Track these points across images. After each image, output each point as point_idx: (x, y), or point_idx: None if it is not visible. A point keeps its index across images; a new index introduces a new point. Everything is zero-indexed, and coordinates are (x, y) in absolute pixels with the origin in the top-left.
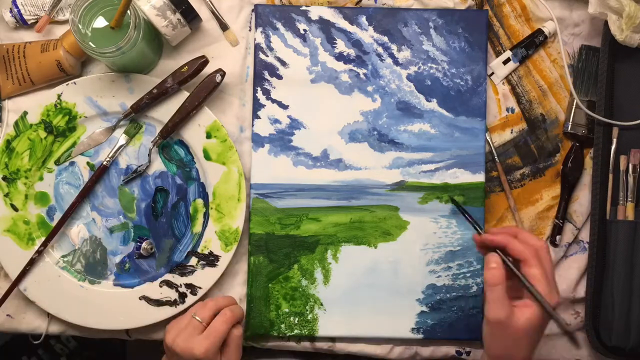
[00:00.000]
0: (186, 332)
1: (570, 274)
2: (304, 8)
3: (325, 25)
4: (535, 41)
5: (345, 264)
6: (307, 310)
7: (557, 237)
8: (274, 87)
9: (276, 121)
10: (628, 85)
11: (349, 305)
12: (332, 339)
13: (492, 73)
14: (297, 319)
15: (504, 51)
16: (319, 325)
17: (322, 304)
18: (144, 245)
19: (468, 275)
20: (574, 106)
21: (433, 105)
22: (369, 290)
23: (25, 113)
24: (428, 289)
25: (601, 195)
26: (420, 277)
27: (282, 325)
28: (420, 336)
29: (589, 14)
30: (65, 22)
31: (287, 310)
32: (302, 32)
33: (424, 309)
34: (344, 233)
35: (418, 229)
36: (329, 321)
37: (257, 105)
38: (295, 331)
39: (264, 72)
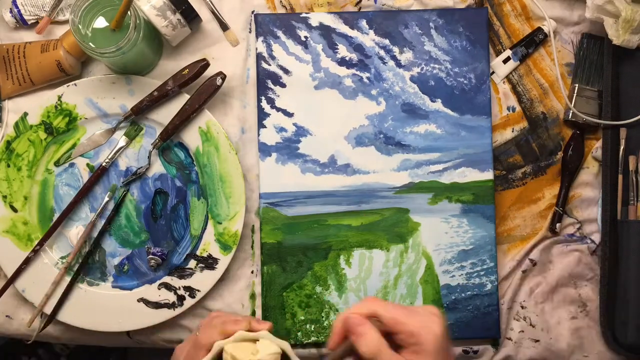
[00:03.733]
0: None
1: (569, 261)
2: (303, 15)
3: (326, 31)
4: (535, 40)
5: (359, 268)
6: (322, 317)
7: (557, 225)
8: (278, 96)
9: (282, 129)
10: (629, 83)
11: None
12: None
13: (493, 72)
14: (313, 326)
15: (504, 50)
16: None
17: (337, 310)
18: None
19: (482, 273)
20: (574, 94)
21: (438, 105)
22: (383, 294)
23: (26, 114)
24: (443, 289)
25: (611, 195)
26: (434, 277)
27: (299, 334)
28: None
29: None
30: (65, 22)
31: (302, 318)
32: (303, 39)
33: (440, 309)
34: (356, 238)
35: (429, 230)
36: None
37: (262, 115)
38: (312, 338)
39: (267, 81)
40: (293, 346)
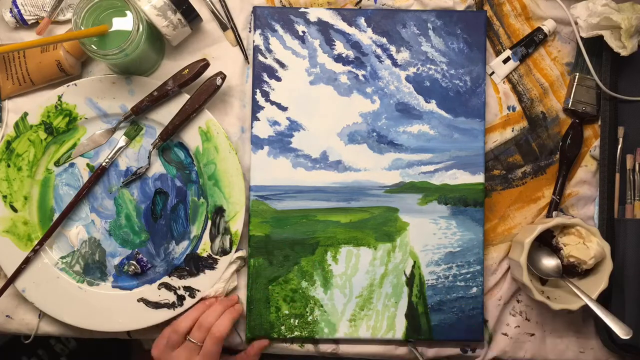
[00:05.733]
0: (184, 354)
1: None
2: (302, 10)
3: (324, 27)
4: (535, 40)
5: (345, 265)
6: (307, 312)
7: (554, 213)
8: (273, 89)
9: (275, 123)
10: (628, 80)
11: (348, 306)
12: (336, 341)
13: (493, 72)
14: (297, 321)
15: (504, 50)
16: (320, 327)
17: (322, 306)
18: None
19: (468, 276)
20: (575, 83)
21: (432, 106)
22: (368, 292)
23: (26, 114)
24: (428, 290)
25: (608, 194)
26: (420, 278)
27: (282, 327)
28: (420, 337)
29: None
30: (65, 22)
31: (287, 312)
32: (300, 33)
33: (424, 310)
34: (344, 235)
35: (418, 230)
36: (329, 323)
37: (256, 107)
38: (296, 333)
39: (262, 74)
40: (279, 341)
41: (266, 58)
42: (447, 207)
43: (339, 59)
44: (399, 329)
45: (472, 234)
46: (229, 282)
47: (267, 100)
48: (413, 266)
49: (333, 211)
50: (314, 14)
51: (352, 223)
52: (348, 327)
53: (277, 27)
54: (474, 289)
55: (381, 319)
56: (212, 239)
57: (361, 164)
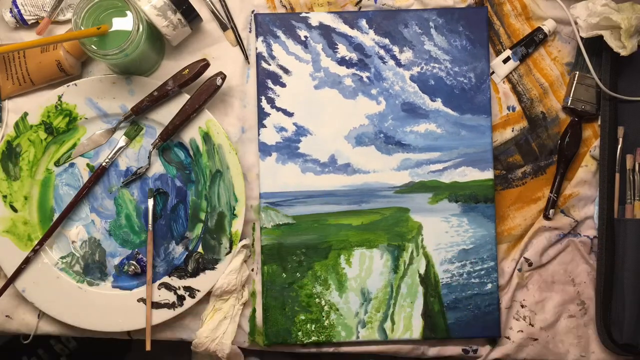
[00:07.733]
0: None
1: (566, 260)
2: (303, 15)
3: (325, 31)
4: (535, 39)
5: (359, 268)
6: (323, 317)
7: (551, 211)
8: (278, 96)
9: (282, 129)
10: (628, 80)
11: (364, 309)
12: (353, 344)
13: (493, 72)
14: (313, 326)
15: (504, 50)
16: (336, 330)
17: (337, 309)
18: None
19: (482, 272)
20: (574, 81)
21: (438, 104)
22: (383, 293)
23: (26, 114)
24: (443, 289)
25: (608, 194)
26: (435, 277)
27: (299, 333)
28: (437, 336)
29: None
30: (65, 22)
31: (303, 317)
32: (303, 38)
33: (440, 309)
34: (356, 237)
35: (430, 229)
36: (345, 326)
37: (262, 114)
38: (313, 338)
39: (267, 80)
40: (294, 345)
41: (269, 65)
42: (458, 205)
43: (342, 62)
44: (416, 329)
45: (484, 231)
46: (241, 273)
47: (273, 106)
48: (427, 265)
49: (344, 214)
50: (315, 18)
51: (363, 225)
52: (365, 330)
53: (279, 33)
54: (489, 285)
55: (397, 320)
56: (212, 239)
57: (370, 165)
